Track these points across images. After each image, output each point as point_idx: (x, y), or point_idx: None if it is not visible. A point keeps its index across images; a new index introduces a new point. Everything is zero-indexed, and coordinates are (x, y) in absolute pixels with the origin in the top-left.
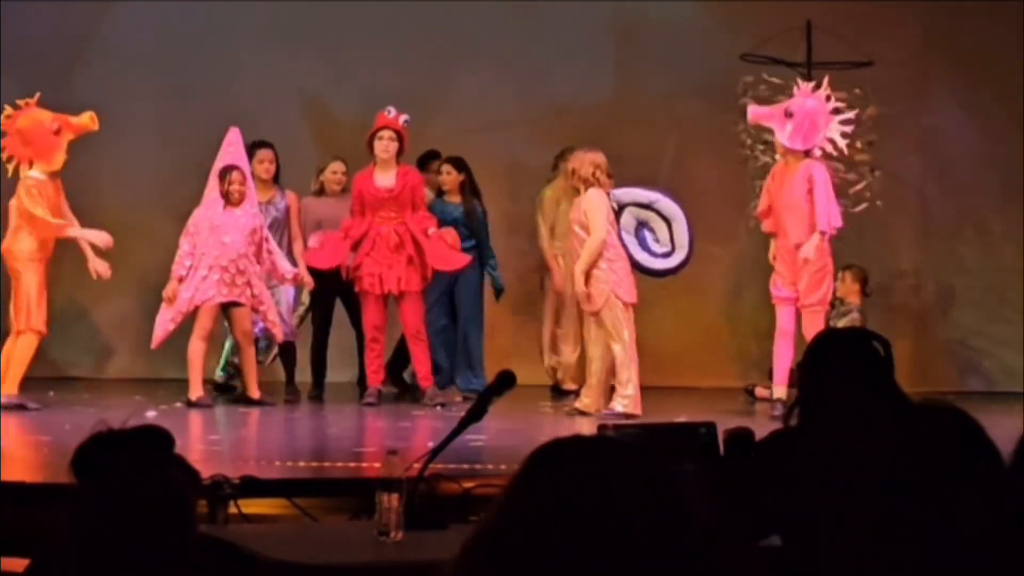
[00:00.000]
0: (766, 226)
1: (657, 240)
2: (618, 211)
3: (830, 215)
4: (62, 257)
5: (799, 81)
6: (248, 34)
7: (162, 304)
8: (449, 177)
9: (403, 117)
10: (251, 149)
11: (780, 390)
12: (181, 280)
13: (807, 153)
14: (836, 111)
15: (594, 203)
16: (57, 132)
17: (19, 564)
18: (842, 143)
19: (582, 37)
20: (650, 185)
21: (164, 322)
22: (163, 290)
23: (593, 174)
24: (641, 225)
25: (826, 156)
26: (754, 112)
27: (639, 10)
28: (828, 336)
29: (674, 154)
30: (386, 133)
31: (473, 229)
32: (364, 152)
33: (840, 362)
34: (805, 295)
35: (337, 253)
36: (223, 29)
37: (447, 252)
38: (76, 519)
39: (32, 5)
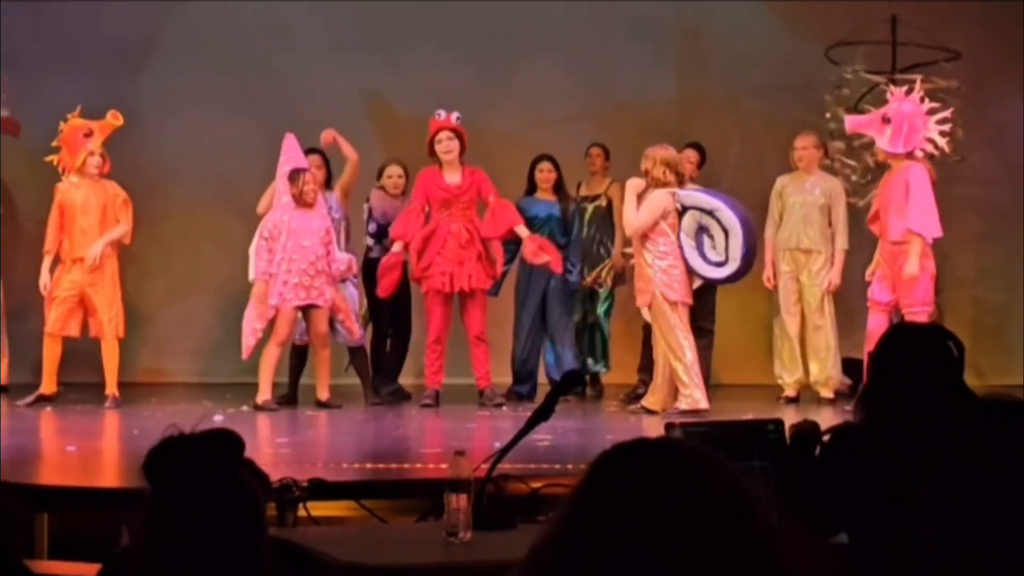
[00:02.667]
0: (874, 229)
1: (714, 248)
2: (681, 212)
3: (927, 221)
4: (125, 261)
5: (891, 87)
6: (312, 35)
7: (247, 311)
8: (551, 175)
9: (454, 115)
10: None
11: None
12: (267, 281)
13: (909, 155)
14: (932, 111)
15: (629, 194)
16: (87, 135)
17: (53, 567)
18: (942, 142)
19: (646, 33)
20: (714, 183)
21: (254, 331)
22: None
23: (664, 174)
24: (702, 230)
25: (928, 157)
26: (852, 122)
27: (703, 7)
28: (902, 330)
29: (738, 151)
30: (444, 135)
31: (568, 228)
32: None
33: (912, 357)
34: (904, 297)
35: (393, 280)
36: (287, 31)
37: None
38: (147, 523)
39: (101, 6)
